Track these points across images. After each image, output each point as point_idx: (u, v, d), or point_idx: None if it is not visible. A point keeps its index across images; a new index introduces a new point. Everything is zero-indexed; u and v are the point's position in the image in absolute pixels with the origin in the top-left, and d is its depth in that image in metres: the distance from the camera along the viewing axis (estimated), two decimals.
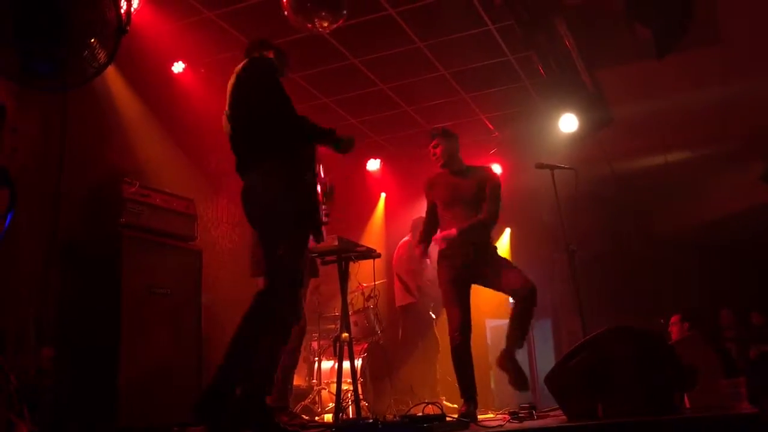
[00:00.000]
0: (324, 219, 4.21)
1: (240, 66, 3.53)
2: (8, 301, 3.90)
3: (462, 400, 4.44)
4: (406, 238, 7.17)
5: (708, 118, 7.80)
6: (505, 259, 4.73)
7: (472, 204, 4.66)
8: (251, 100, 3.40)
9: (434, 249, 4.95)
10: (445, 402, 6.03)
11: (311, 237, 3.47)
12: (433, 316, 6.87)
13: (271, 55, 3.70)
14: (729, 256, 8.34)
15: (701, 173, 8.89)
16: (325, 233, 4.28)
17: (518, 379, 4.39)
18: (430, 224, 4.87)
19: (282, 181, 3.26)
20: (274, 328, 3.18)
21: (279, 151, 3.31)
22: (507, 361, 4.40)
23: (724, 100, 7.37)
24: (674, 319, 6.70)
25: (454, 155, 4.81)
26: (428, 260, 6.21)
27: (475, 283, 4.64)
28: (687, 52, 6.21)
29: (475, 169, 4.87)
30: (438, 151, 4.77)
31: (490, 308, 7.50)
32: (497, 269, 4.55)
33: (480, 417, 4.70)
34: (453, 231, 4.57)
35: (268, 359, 3.32)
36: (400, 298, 6.95)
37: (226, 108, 3.52)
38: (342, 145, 3.51)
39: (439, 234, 4.70)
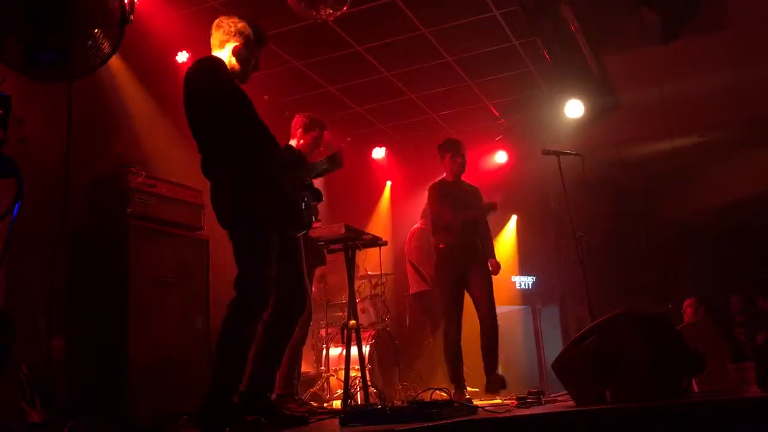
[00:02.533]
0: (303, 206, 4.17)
1: (195, 62, 3.32)
2: (18, 291, 3.93)
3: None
4: (416, 225, 7.05)
5: (716, 102, 7.74)
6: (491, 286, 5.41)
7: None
8: (202, 104, 3.18)
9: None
10: (468, 388, 5.95)
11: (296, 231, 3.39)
12: None
13: (238, 44, 3.34)
14: (737, 241, 8.31)
15: (709, 158, 8.85)
16: (319, 224, 4.23)
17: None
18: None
19: (243, 184, 3.10)
20: (249, 331, 3.07)
21: (238, 154, 3.13)
22: (497, 382, 5.07)
23: (731, 84, 7.31)
24: (689, 301, 6.68)
25: None
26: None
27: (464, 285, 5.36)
28: (694, 36, 6.17)
29: (468, 184, 5.69)
30: (463, 161, 5.56)
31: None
32: (480, 288, 5.30)
33: (488, 402, 4.73)
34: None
35: (270, 358, 3.31)
36: (414, 286, 6.84)
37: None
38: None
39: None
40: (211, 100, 3.12)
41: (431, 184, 5.68)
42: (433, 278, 6.54)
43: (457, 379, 5.13)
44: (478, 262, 5.40)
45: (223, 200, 3.13)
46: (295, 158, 3.54)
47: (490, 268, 5.45)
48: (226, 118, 3.11)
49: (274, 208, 3.17)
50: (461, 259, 5.31)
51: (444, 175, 5.67)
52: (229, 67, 3.28)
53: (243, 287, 3.05)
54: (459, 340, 5.20)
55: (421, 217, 6.98)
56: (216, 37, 3.34)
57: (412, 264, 6.85)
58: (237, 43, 3.30)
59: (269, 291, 3.11)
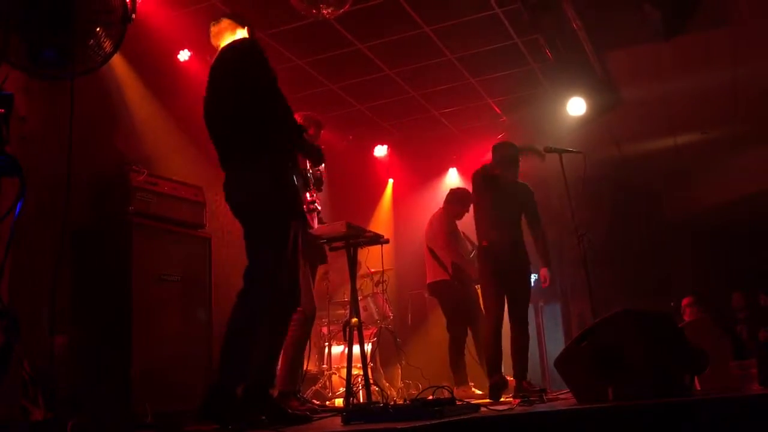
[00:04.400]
0: (314, 207, 4.26)
1: (226, 46, 3.40)
2: (20, 288, 3.93)
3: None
4: (436, 210, 6.67)
5: (718, 99, 7.73)
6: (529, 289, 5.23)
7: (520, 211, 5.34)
8: (243, 87, 3.26)
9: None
10: (473, 389, 5.85)
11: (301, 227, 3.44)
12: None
13: (247, 33, 3.50)
14: (739, 238, 8.31)
15: (711, 155, 8.85)
16: (316, 221, 4.30)
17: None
18: None
19: (270, 174, 3.18)
20: (261, 321, 3.09)
21: (269, 144, 3.21)
22: (523, 389, 4.81)
23: (733, 81, 7.30)
24: (687, 300, 6.67)
25: None
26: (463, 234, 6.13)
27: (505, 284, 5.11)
28: (696, 32, 6.16)
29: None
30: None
31: None
32: (517, 292, 5.09)
33: (489, 400, 4.73)
34: None
35: (268, 353, 3.31)
36: (431, 274, 6.23)
37: (206, 92, 3.38)
38: (314, 158, 3.67)
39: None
40: (273, 82, 3.29)
41: (476, 170, 5.35)
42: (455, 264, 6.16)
43: (496, 368, 4.94)
44: (521, 263, 5.18)
45: (262, 190, 3.17)
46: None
47: (541, 279, 5.23)
48: (281, 107, 3.28)
49: (296, 203, 3.32)
50: (503, 257, 5.06)
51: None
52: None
53: (257, 278, 3.11)
54: (500, 335, 4.98)
55: (445, 203, 6.50)
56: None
57: (431, 250, 6.24)
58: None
59: (280, 282, 3.15)
